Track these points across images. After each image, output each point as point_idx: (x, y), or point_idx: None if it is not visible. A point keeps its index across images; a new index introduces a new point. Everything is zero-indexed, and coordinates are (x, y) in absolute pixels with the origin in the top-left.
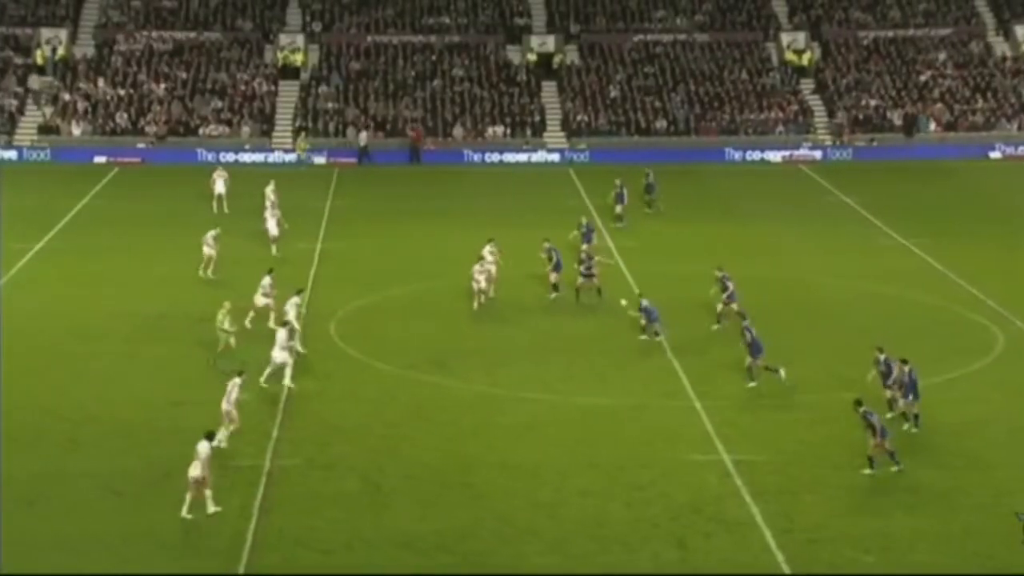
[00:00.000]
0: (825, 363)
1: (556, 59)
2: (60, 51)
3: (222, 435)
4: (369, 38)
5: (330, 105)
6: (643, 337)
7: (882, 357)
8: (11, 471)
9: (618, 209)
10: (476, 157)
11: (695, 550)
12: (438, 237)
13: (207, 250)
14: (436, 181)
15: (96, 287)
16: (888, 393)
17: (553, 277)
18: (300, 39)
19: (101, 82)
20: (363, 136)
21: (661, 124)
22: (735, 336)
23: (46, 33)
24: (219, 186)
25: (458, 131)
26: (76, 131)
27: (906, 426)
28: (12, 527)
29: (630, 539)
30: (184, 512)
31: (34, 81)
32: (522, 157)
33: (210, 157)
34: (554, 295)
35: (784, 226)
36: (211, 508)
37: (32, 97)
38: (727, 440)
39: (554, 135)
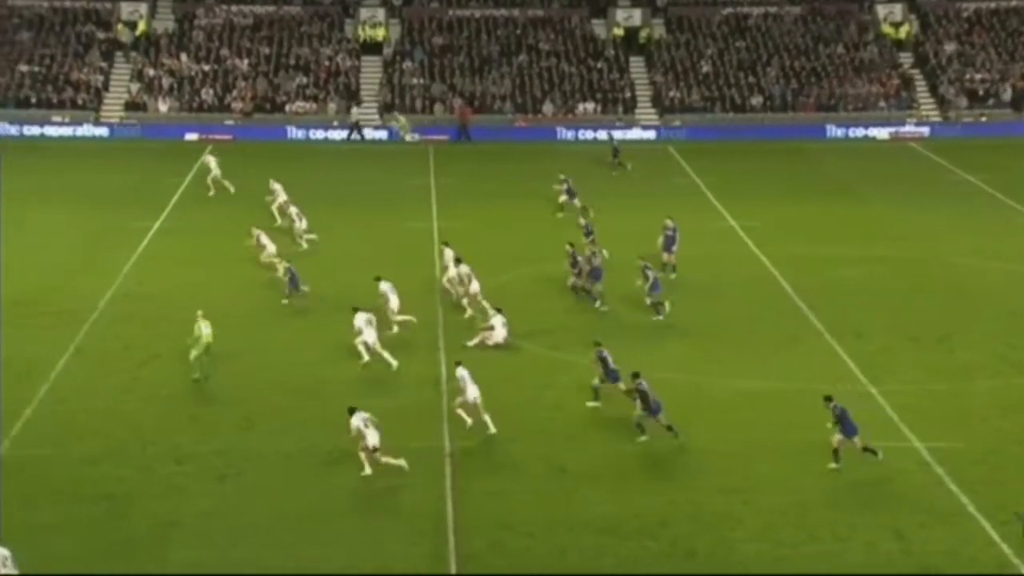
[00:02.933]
0: (991, 347)
1: (643, 33)
2: (141, 26)
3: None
4: (451, 12)
5: (416, 81)
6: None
7: None
8: (196, 449)
9: (562, 198)
10: (569, 135)
11: (914, 540)
12: (546, 218)
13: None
14: (530, 159)
15: (225, 266)
16: None
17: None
18: (381, 13)
19: (184, 57)
20: (355, 111)
21: (756, 100)
22: (896, 320)
23: (126, 7)
24: (214, 168)
25: (547, 107)
26: (163, 107)
27: None
28: (205, 502)
29: (837, 528)
30: (366, 472)
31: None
32: (618, 134)
33: (299, 134)
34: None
35: (910, 206)
36: (400, 463)
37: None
38: (914, 427)
39: (645, 112)
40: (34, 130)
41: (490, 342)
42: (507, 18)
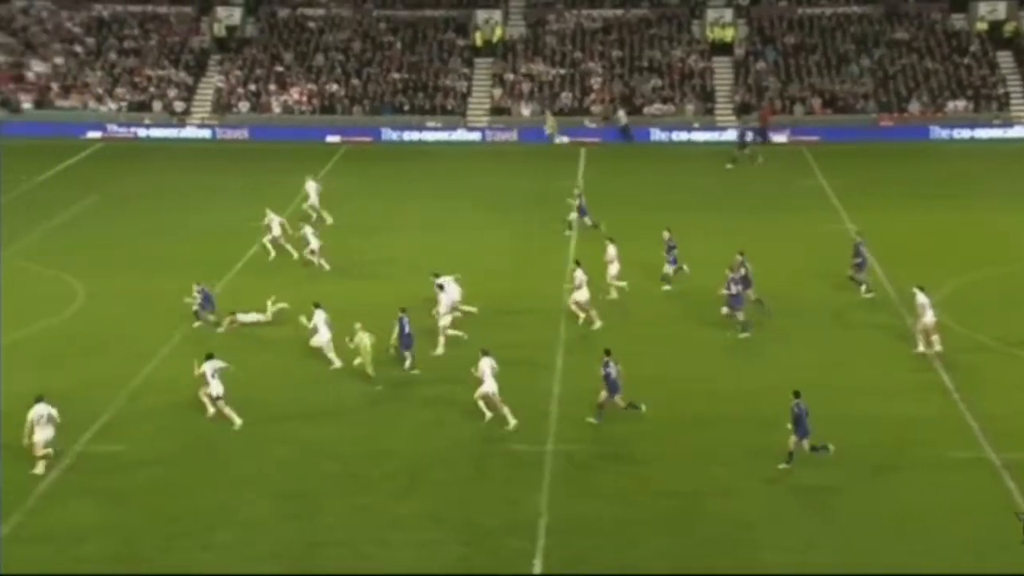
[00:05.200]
0: None
1: (1009, 27)
2: (497, 32)
3: None
4: (800, 10)
5: (770, 81)
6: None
7: None
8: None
9: (572, 215)
10: (943, 134)
11: None
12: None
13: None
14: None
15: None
16: None
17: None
18: (728, 14)
19: (539, 62)
20: (622, 114)
21: None
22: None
23: (481, 15)
24: (312, 195)
25: (914, 106)
26: (525, 112)
27: None
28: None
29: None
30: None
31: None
32: (995, 133)
33: (662, 136)
34: None
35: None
36: (511, 422)
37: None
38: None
39: (1021, 109)
40: (412, 135)
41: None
42: (860, 15)
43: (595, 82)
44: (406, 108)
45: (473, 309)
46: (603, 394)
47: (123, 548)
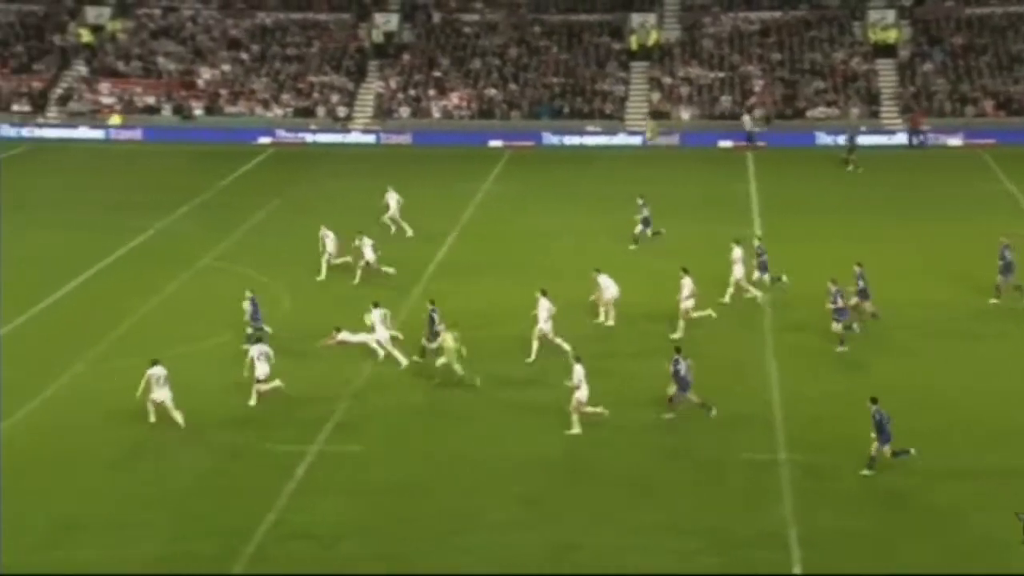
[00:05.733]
0: None
1: None
2: (652, 35)
3: None
4: (968, 10)
5: (938, 83)
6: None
7: None
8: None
9: (639, 229)
10: None
11: None
12: None
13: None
14: None
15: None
16: None
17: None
18: (891, 14)
19: (696, 65)
20: (747, 120)
21: None
22: None
23: (636, 18)
24: (392, 206)
25: None
26: (685, 115)
27: None
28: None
29: None
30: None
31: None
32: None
33: (828, 140)
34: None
35: None
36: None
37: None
38: None
39: None
40: (573, 139)
41: None
42: None
43: (756, 85)
44: (565, 112)
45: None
46: (673, 389)
47: (381, 548)
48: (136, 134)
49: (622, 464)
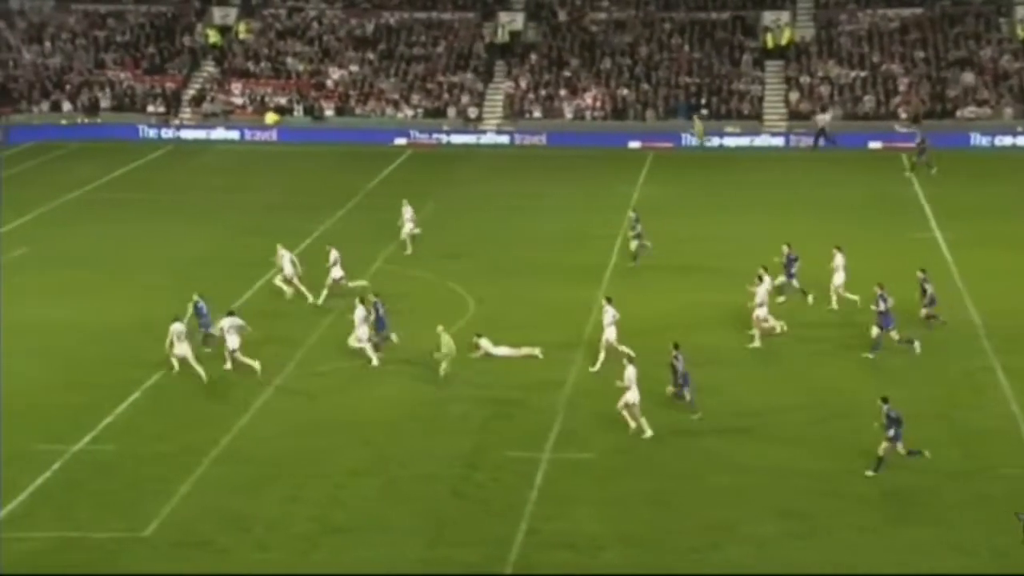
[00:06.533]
0: None
1: None
2: (786, 33)
3: None
4: None
5: None
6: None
7: None
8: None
9: (635, 244)
10: None
11: None
12: None
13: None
14: None
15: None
16: None
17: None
18: None
19: (834, 64)
20: (822, 118)
21: None
22: None
23: (768, 16)
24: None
25: None
26: (827, 116)
27: None
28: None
29: None
30: (646, 432)
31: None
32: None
33: (983, 141)
34: None
35: None
36: (647, 432)
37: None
38: None
39: None
40: (712, 140)
41: None
42: None
43: (901, 84)
44: (704, 112)
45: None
46: (670, 388)
47: (641, 559)
48: (271, 135)
49: (874, 479)
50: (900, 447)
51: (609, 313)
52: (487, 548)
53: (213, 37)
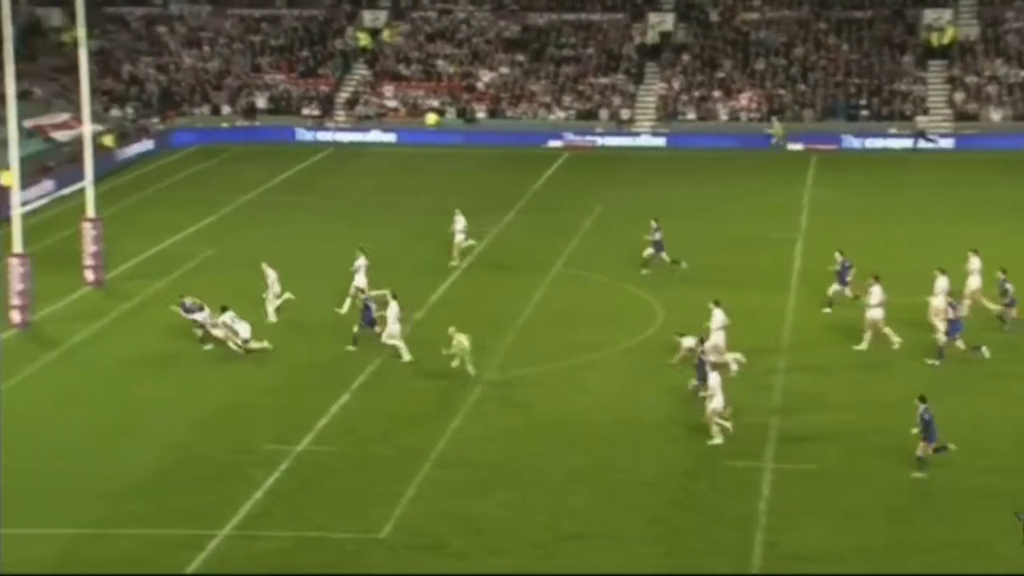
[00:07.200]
0: None
1: None
2: (948, 32)
3: None
4: None
5: None
6: None
7: None
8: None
9: (648, 251)
10: None
11: None
12: None
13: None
14: None
15: None
16: None
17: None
18: None
19: (1002, 63)
20: (921, 119)
21: None
22: None
23: (929, 14)
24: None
25: None
26: (996, 117)
27: None
28: None
29: None
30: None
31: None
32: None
33: None
34: None
35: None
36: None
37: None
38: None
39: None
40: (875, 142)
41: None
42: None
43: None
44: (864, 113)
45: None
46: (693, 383)
47: (885, 571)
48: (426, 137)
49: None
50: (931, 448)
51: (718, 318)
52: (727, 558)
53: (363, 40)
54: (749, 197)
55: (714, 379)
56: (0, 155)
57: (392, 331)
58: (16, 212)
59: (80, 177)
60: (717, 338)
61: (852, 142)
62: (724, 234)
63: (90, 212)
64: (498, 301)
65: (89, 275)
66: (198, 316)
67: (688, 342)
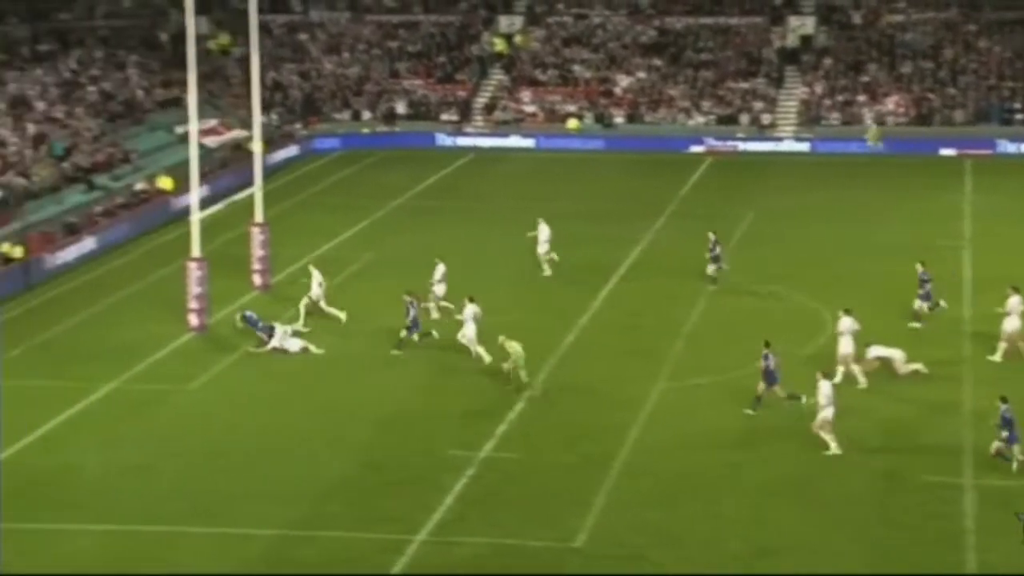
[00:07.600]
0: None
1: None
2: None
3: None
4: None
5: None
6: None
7: None
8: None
9: (711, 268)
10: None
11: None
12: None
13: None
14: None
15: None
16: None
17: None
18: None
19: None
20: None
21: None
22: None
23: None
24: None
25: None
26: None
27: None
28: None
29: None
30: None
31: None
32: None
33: None
34: None
35: None
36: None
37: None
38: None
39: None
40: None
41: None
42: None
43: None
44: (1019, 117)
45: None
46: (761, 385)
47: None
48: (566, 143)
49: None
50: (1017, 449)
51: (846, 325)
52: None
53: (499, 45)
54: (903, 203)
55: (826, 388)
56: (155, 159)
57: (468, 332)
58: (195, 217)
59: (232, 182)
60: (847, 350)
61: (1007, 147)
62: (884, 241)
63: (258, 217)
64: (661, 308)
65: (256, 279)
66: (261, 330)
67: (878, 351)
